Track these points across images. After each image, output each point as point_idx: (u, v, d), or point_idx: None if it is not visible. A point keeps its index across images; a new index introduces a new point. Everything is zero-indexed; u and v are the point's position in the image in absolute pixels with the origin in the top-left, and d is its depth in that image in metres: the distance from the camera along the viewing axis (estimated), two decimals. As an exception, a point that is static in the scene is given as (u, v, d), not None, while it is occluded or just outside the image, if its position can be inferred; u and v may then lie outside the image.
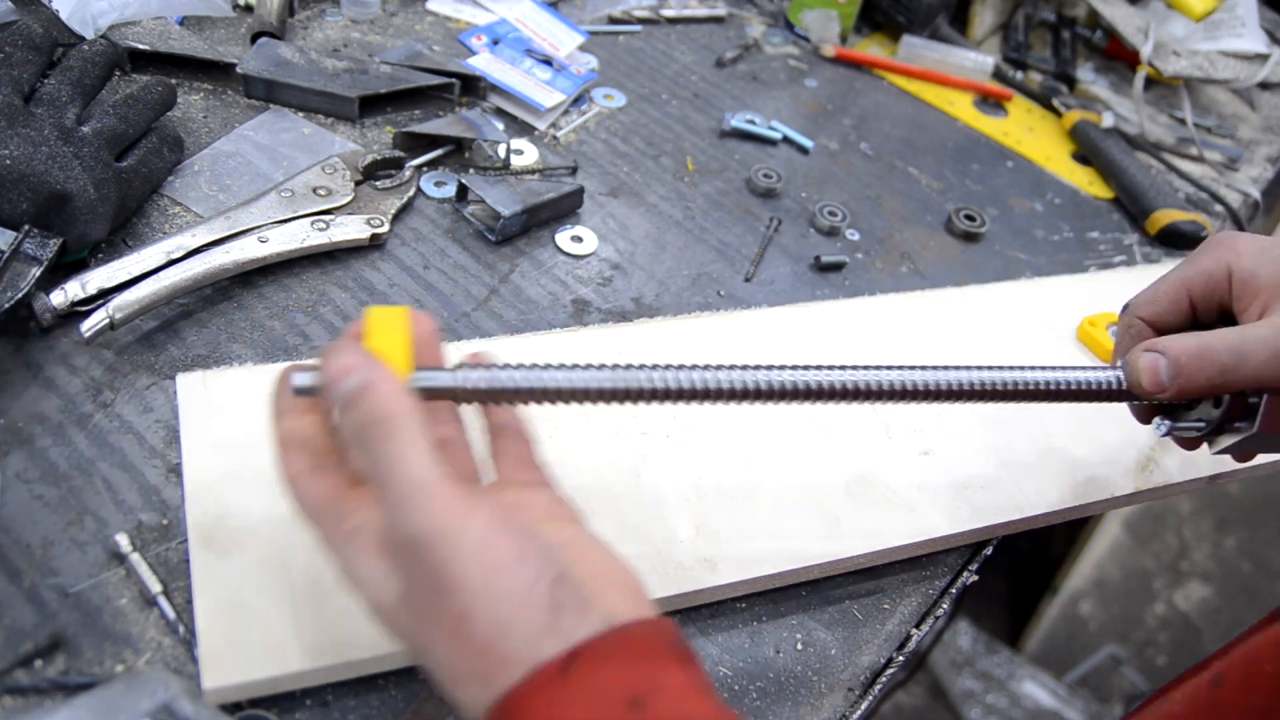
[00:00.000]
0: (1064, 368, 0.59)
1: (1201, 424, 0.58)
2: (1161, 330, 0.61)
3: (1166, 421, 0.60)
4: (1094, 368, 0.60)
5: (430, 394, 0.46)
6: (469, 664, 0.38)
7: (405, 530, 0.39)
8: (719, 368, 0.53)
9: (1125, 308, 0.63)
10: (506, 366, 0.49)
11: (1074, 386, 0.58)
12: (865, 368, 0.55)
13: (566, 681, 0.36)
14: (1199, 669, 0.62)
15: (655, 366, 0.52)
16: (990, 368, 0.58)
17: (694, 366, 0.52)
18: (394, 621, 0.41)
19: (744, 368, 0.53)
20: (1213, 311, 0.60)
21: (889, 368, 0.56)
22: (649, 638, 0.39)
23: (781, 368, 0.54)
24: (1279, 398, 0.55)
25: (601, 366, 0.51)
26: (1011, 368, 0.58)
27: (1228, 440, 0.58)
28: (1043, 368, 0.59)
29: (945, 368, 0.57)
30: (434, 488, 0.39)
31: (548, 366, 0.50)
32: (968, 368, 0.57)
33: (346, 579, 0.43)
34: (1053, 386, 0.58)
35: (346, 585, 0.43)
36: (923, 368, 0.56)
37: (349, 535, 0.42)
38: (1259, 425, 0.55)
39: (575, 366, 0.50)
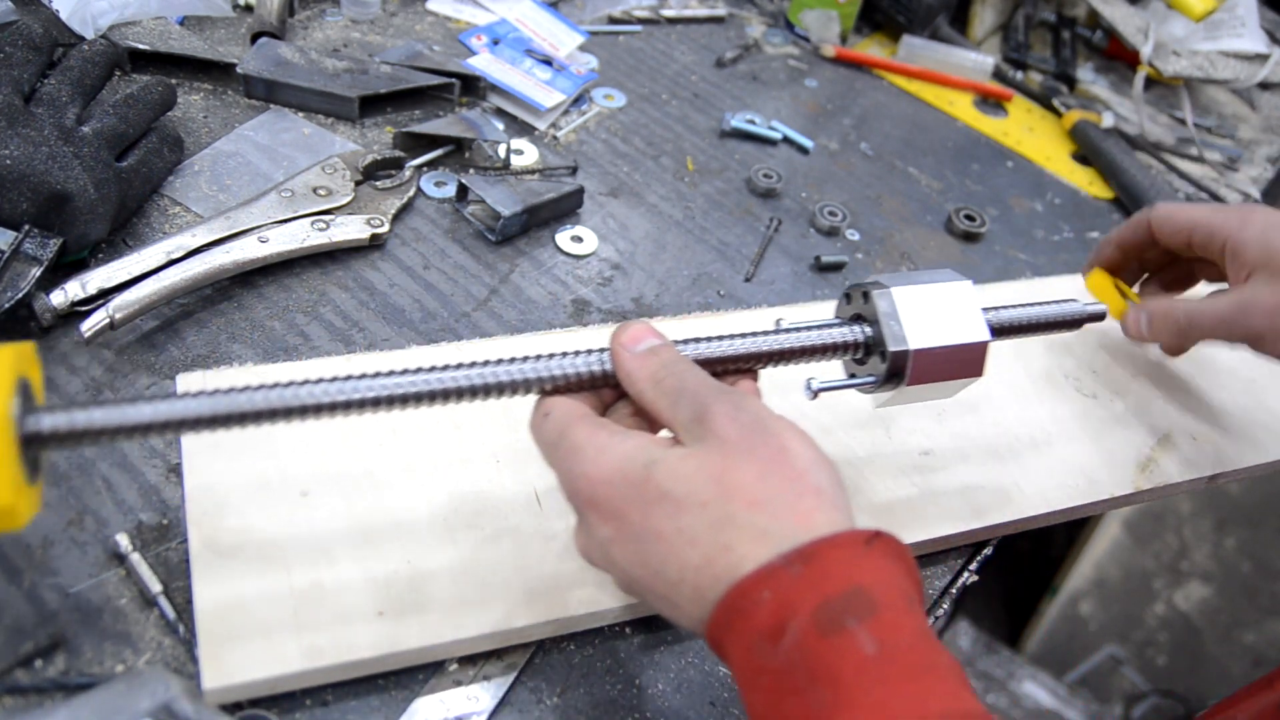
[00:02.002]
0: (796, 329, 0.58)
1: (872, 379, 0.60)
2: (1158, 245, 0.76)
3: (816, 380, 0.59)
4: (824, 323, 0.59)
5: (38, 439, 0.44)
6: (783, 486, 0.46)
7: (749, 411, 0.49)
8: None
9: (1151, 208, 0.76)
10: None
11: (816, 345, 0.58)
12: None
13: (869, 551, 0.44)
14: (1266, 688, 0.63)
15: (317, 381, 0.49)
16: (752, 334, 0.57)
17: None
18: (682, 471, 0.47)
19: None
20: (1210, 257, 0.73)
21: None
22: (907, 553, 0.46)
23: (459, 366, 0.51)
24: (923, 354, 0.58)
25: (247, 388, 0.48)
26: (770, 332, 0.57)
27: (883, 395, 0.61)
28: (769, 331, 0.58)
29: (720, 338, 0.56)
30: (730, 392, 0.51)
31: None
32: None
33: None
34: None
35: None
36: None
37: (637, 436, 0.51)
38: (909, 379, 0.58)
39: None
